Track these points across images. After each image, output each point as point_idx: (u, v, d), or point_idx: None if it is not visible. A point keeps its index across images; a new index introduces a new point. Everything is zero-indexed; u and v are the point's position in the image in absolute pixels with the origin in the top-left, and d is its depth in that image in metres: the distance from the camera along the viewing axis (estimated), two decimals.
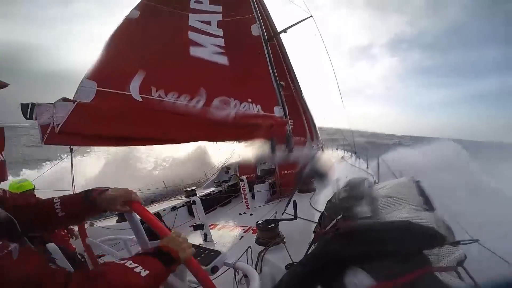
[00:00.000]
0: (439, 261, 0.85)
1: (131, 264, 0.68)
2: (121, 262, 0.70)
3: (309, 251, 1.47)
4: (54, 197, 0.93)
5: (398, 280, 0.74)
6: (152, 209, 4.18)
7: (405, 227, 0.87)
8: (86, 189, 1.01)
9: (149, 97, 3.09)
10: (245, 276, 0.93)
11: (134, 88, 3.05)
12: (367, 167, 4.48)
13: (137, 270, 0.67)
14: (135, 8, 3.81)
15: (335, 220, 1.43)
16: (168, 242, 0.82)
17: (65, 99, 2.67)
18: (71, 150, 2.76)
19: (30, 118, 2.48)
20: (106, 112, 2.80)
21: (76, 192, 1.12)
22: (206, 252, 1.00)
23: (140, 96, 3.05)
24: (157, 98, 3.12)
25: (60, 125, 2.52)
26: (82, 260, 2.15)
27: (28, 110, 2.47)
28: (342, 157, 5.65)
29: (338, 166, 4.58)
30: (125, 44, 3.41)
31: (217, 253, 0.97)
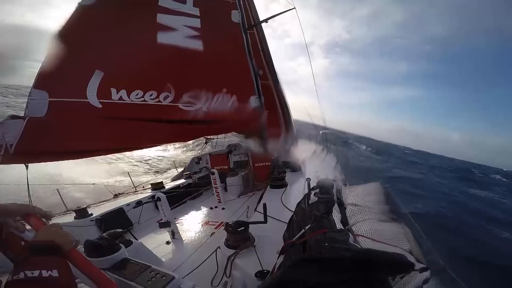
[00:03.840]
0: (405, 285, 0.85)
1: (32, 273, 0.56)
2: (21, 277, 0.56)
3: (277, 266, 1.44)
4: None
5: None
6: (116, 203, 3.90)
7: (372, 257, 0.84)
8: None
9: (110, 101, 2.74)
10: None
11: (91, 93, 2.68)
12: (337, 163, 4.61)
13: (45, 274, 0.56)
14: None
15: (303, 230, 1.40)
16: (42, 234, 0.71)
17: (13, 116, 2.37)
18: (26, 167, 2.47)
19: None
20: (63, 126, 2.52)
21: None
22: (157, 275, 0.87)
23: (99, 102, 2.70)
24: (119, 101, 2.78)
25: (13, 146, 2.29)
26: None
27: None
28: (314, 151, 5.75)
29: (310, 161, 4.65)
30: (77, 39, 2.88)
31: (170, 277, 0.85)
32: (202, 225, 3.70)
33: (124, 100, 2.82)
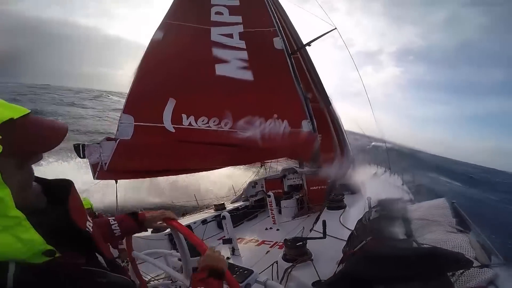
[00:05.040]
0: (468, 282, 0.85)
1: None
2: None
3: (337, 271, 1.47)
4: (109, 218, 1.04)
5: None
6: (183, 221, 4.40)
7: (431, 253, 0.87)
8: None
9: (181, 126, 3.19)
10: None
11: (167, 118, 3.18)
12: (403, 184, 4.22)
13: None
14: (159, 28, 3.79)
15: (364, 242, 1.42)
16: (210, 259, 0.90)
17: (108, 138, 2.96)
18: (116, 182, 3.04)
19: (84, 157, 2.81)
20: (144, 148, 3.03)
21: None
22: (241, 270, 1.10)
23: (173, 127, 3.16)
24: (188, 126, 3.20)
25: (107, 164, 2.84)
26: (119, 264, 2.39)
27: (80, 150, 2.81)
28: (375, 173, 5.39)
29: (371, 183, 4.39)
30: (154, 70, 3.45)
31: (250, 271, 1.07)
32: (258, 244, 3.82)
33: (193, 126, 3.26)
